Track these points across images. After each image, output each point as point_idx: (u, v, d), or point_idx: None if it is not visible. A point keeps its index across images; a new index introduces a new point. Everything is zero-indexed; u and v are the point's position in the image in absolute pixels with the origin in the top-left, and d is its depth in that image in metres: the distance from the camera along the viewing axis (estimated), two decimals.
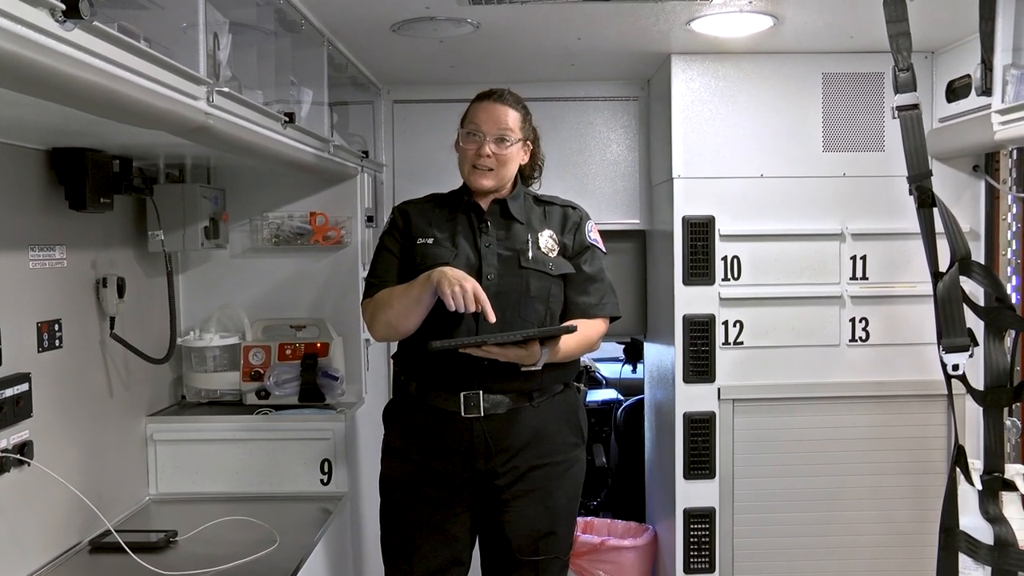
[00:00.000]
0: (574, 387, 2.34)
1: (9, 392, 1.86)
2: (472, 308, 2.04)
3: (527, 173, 2.37)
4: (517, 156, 2.26)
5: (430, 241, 2.23)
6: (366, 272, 2.38)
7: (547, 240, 2.26)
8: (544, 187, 2.44)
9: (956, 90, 2.80)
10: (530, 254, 2.22)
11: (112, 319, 2.30)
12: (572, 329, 2.14)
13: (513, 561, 2.25)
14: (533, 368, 2.14)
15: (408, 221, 2.30)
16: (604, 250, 2.36)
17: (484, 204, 2.27)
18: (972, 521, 2.21)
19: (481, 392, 2.16)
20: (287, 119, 2.20)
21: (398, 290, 2.21)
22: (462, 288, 2.03)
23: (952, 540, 2.20)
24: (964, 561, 2.19)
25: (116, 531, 2.09)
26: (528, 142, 2.29)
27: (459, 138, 2.28)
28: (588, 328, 2.25)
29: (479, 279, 2.16)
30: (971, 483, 2.22)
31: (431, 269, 2.14)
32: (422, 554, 2.24)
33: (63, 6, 1.18)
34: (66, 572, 2.05)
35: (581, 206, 2.39)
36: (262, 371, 2.70)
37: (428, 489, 2.23)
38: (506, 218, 2.27)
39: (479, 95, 2.28)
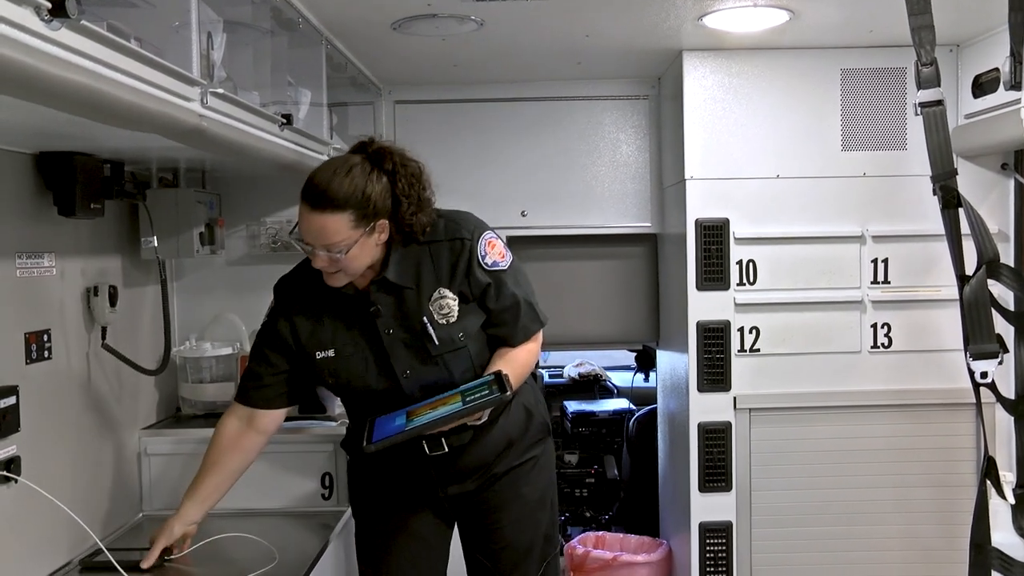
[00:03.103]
0: (528, 382, 2.21)
1: None
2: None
3: (407, 228, 1.99)
4: (362, 252, 1.94)
5: (331, 354, 2.04)
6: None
7: (444, 303, 2.02)
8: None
9: (983, 85, 2.70)
10: (436, 340, 2.00)
11: (104, 329, 2.26)
12: (509, 398, 1.94)
13: (494, 560, 2.20)
14: (478, 423, 2.03)
15: (294, 329, 2.06)
16: (508, 262, 2.08)
17: (362, 281, 2.03)
18: (1005, 537, 2.13)
19: (443, 438, 2.05)
20: (284, 121, 2.15)
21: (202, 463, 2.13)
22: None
23: (983, 557, 2.12)
24: None
25: (108, 549, 2.03)
26: (380, 222, 1.94)
27: None
28: (520, 355, 2.10)
29: (395, 377, 2.04)
30: (1003, 497, 2.15)
31: (348, 384, 2.07)
32: (393, 557, 2.20)
33: (49, 5, 1.14)
34: None
35: (468, 220, 2.08)
36: None
37: (398, 500, 2.18)
38: (392, 291, 2.02)
39: (304, 187, 1.92)
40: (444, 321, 2.02)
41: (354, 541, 2.29)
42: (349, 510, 2.54)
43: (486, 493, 2.16)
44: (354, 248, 1.92)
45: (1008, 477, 2.17)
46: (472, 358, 2.07)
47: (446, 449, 2.04)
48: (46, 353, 2.03)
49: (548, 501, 2.25)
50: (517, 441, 2.16)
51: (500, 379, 1.95)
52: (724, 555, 2.87)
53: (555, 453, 2.32)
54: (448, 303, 2.02)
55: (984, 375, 2.12)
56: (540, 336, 2.16)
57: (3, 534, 1.87)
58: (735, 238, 2.86)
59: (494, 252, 2.06)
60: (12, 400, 1.87)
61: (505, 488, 2.16)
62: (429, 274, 2.03)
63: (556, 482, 2.30)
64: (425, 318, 2.01)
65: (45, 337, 2.03)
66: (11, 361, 1.91)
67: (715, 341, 2.85)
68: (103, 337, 2.26)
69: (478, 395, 1.94)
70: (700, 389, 2.86)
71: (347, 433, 2.27)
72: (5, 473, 1.84)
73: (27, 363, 1.97)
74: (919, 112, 2.17)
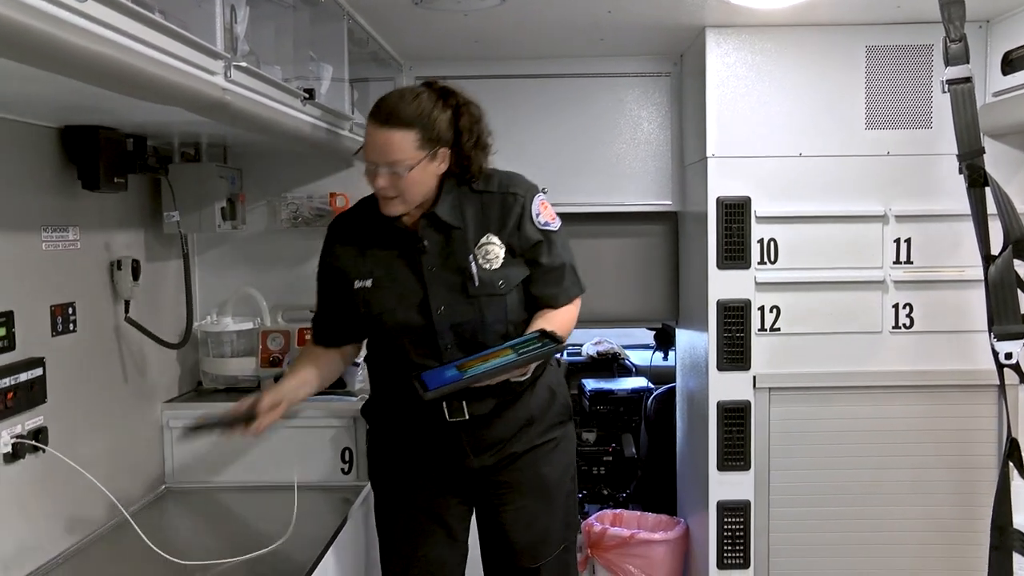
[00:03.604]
0: (552, 365, 2.24)
1: (24, 377, 1.85)
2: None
3: (464, 171, 2.07)
4: (422, 177, 1.99)
5: (368, 284, 2.07)
6: None
7: (490, 249, 2.06)
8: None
9: (1013, 61, 2.64)
10: (476, 279, 2.04)
11: (127, 302, 2.27)
12: (561, 348, 1.98)
13: (517, 569, 2.20)
14: (522, 379, 2.05)
15: (340, 258, 2.12)
16: (557, 224, 2.13)
17: (412, 221, 2.07)
18: None
19: (464, 402, 2.06)
20: (307, 96, 2.14)
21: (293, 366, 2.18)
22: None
23: (1006, 539, 2.11)
24: (1019, 561, 2.09)
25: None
26: (442, 150, 2.00)
27: None
28: (562, 317, 2.13)
29: (429, 314, 2.04)
30: None
31: (379, 316, 2.07)
32: (415, 539, 2.19)
33: None
34: (83, 559, 2.02)
35: (523, 179, 2.12)
36: (281, 357, 2.65)
37: (416, 478, 2.17)
38: (441, 229, 2.06)
39: (372, 109, 2.01)
40: (488, 266, 2.05)
41: (373, 515, 2.30)
42: (369, 484, 2.56)
43: (506, 472, 2.15)
44: (415, 170, 1.96)
45: None
46: (506, 310, 2.08)
47: (466, 416, 2.06)
48: (71, 326, 2.05)
49: (568, 484, 2.25)
50: (538, 420, 2.16)
51: (547, 334, 1.98)
52: (741, 534, 2.86)
53: (576, 438, 2.31)
54: (494, 249, 2.06)
55: (1008, 356, 2.10)
56: (579, 303, 2.18)
57: (31, 503, 1.90)
58: (756, 216, 2.83)
59: (546, 212, 2.11)
60: (39, 371, 1.90)
61: (525, 467, 2.15)
62: (478, 220, 2.07)
63: (576, 467, 2.30)
64: (471, 257, 2.05)
65: (70, 310, 2.05)
66: (38, 333, 1.93)
67: (735, 320, 2.83)
68: (126, 311, 2.27)
69: (531, 348, 1.96)
70: (719, 368, 2.85)
71: (368, 401, 2.27)
72: (33, 443, 1.87)
73: (53, 335, 1.99)
74: (946, 89, 2.14)
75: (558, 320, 2.10)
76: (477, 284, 2.04)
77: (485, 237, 2.06)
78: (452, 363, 1.98)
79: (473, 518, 2.28)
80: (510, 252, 2.07)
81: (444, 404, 2.04)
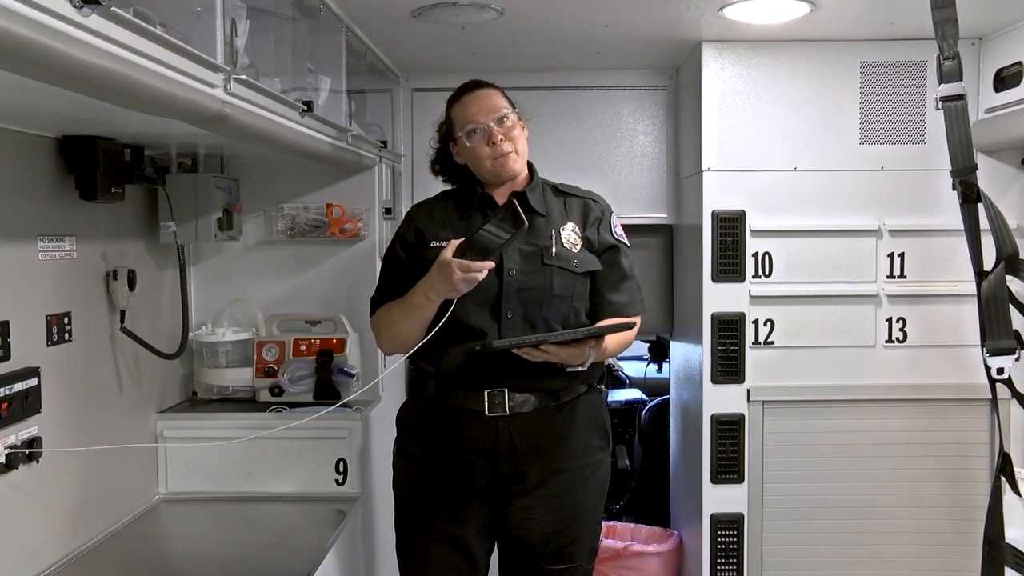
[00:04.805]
0: (597, 389, 2.26)
1: (18, 387, 1.84)
2: (481, 276, 1.98)
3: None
4: (522, 134, 2.18)
5: (444, 245, 2.08)
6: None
7: (570, 234, 2.17)
8: (569, 179, 2.36)
9: (1005, 79, 2.67)
10: (553, 250, 2.13)
11: (122, 312, 2.27)
12: (631, 325, 2.13)
13: (536, 570, 2.18)
14: (580, 369, 2.07)
15: (418, 231, 2.19)
16: (628, 244, 2.27)
17: (500, 197, 2.18)
18: (1019, 534, 2.12)
19: (507, 390, 2.08)
20: (305, 108, 2.14)
21: (397, 307, 2.13)
22: (463, 279, 1.97)
23: (997, 553, 2.11)
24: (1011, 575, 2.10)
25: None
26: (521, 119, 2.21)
27: (459, 146, 2.18)
28: (623, 331, 2.15)
29: (500, 275, 2.08)
30: (1017, 493, 2.14)
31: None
32: (437, 565, 2.16)
33: None
34: (77, 570, 2.01)
35: (603, 197, 2.30)
36: (276, 367, 2.65)
37: (443, 496, 2.14)
38: (526, 211, 2.12)
39: (455, 95, 2.20)
40: (567, 244, 2.16)
41: (370, 525, 2.28)
42: (362, 496, 2.55)
43: (541, 490, 2.13)
44: (517, 125, 2.16)
45: (1023, 474, 2.16)
46: (574, 289, 2.14)
47: (507, 411, 2.07)
48: (67, 336, 2.05)
49: (599, 513, 2.25)
50: (574, 437, 2.15)
51: (626, 324, 2.10)
52: (735, 547, 2.87)
53: (610, 466, 2.30)
54: (574, 237, 2.18)
55: (1000, 371, 2.11)
56: (638, 326, 2.22)
57: (25, 513, 1.89)
58: (751, 230, 2.84)
59: (621, 229, 2.27)
60: (34, 381, 1.89)
61: (562, 492, 2.14)
62: (561, 213, 2.20)
63: (604, 501, 2.29)
64: (552, 233, 2.15)
65: (66, 320, 2.05)
66: (33, 343, 1.92)
67: (730, 333, 2.84)
68: (122, 321, 2.27)
69: (605, 328, 2.08)
70: (714, 381, 2.86)
71: (405, 404, 2.26)
72: (31, 450, 1.86)
73: (48, 345, 1.98)
74: (940, 106, 2.15)
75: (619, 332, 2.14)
76: (554, 255, 2.12)
77: (568, 224, 2.18)
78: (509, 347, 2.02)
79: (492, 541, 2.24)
80: (587, 247, 2.18)
81: (486, 396, 2.06)
